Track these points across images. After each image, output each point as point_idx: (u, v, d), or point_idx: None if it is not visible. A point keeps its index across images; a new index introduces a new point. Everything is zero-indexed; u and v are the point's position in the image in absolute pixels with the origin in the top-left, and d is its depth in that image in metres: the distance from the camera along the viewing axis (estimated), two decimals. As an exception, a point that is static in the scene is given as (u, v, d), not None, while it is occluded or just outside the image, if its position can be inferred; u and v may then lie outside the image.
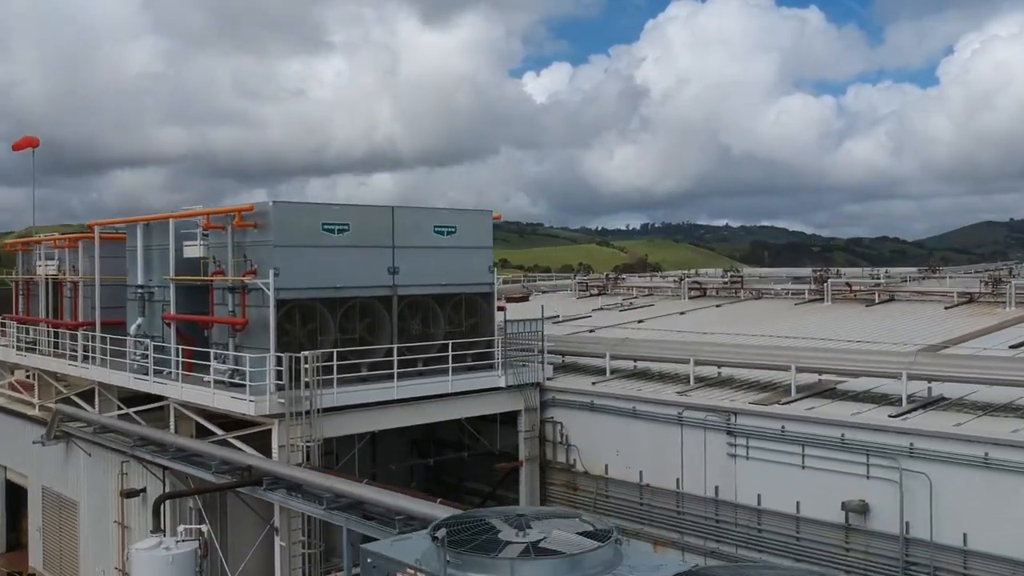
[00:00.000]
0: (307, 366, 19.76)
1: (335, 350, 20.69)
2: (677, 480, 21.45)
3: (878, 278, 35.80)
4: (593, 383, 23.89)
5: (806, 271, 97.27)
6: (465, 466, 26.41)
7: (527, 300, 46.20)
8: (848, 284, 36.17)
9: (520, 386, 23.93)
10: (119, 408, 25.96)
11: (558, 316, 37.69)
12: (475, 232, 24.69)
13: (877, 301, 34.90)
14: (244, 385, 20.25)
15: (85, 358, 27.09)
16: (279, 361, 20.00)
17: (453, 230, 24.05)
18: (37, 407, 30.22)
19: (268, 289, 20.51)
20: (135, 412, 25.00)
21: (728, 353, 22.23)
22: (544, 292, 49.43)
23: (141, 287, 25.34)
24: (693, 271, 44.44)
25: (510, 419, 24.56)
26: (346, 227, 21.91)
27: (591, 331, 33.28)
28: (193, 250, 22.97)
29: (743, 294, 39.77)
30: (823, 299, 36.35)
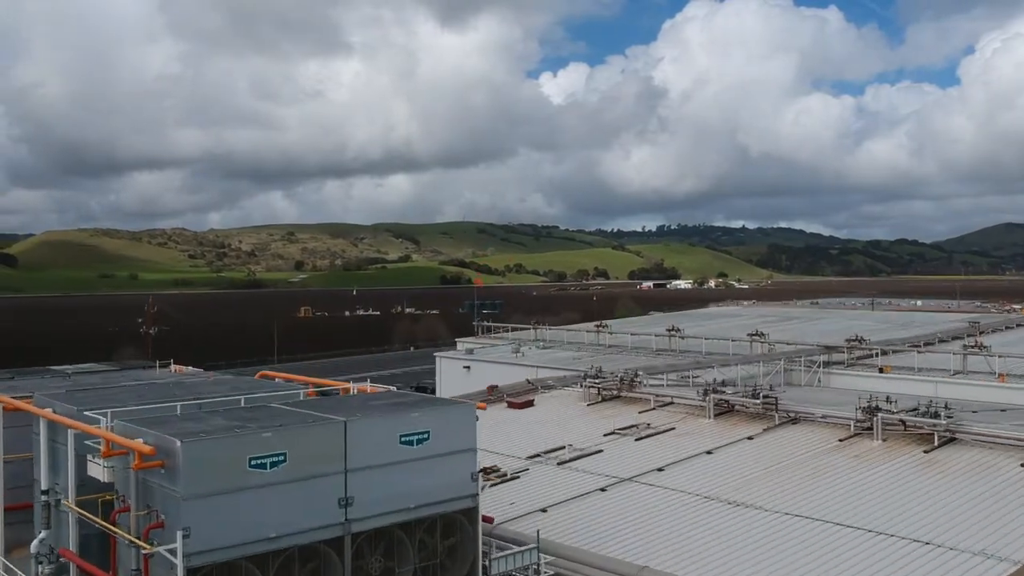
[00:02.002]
0: (220, 675, 14.93)
1: (259, 643, 15.86)
2: None
3: (937, 417, 30.53)
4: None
5: (833, 310, 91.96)
6: None
7: (532, 405, 41.49)
8: (902, 421, 31.03)
9: (510, 635, 19.04)
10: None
11: (563, 449, 32.86)
12: (454, 433, 19.82)
13: (936, 443, 29.92)
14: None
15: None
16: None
17: (425, 436, 19.17)
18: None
19: (175, 557, 15.71)
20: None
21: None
22: (551, 387, 44.49)
23: (45, 492, 20.60)
24: (719, 382, 39.05)
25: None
26: (281, 458, 17.08)
27: (603, 489, 28.39)
28: (95, 470, 18.26)
29: (777, 416, 34.66)
30: (872, 433, 31.39)
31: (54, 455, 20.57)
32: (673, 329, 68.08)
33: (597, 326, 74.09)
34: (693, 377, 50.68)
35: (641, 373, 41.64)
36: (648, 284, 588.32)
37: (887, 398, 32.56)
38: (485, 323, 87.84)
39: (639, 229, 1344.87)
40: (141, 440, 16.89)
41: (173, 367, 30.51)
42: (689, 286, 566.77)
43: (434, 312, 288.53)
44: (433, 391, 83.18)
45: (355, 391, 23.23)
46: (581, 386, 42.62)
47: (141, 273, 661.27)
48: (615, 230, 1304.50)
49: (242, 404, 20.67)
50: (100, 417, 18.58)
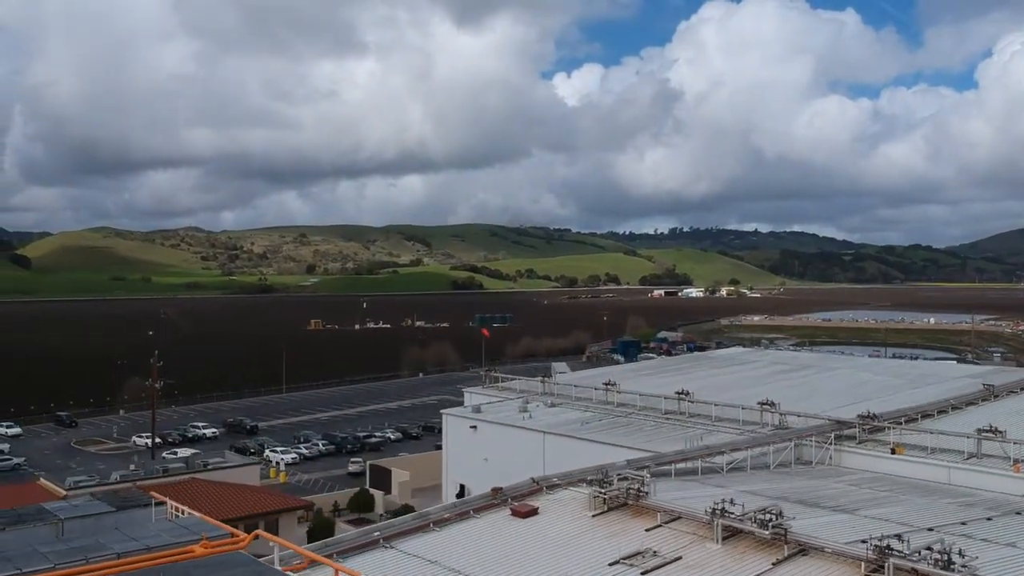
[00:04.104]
0: None
1: None
2: None
3: (951, 566, 29.70)
4: None
5: (845, 359, 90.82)
6: None
7: (536, 512, 40.77)
8: (915, 570, 30.19)
9: None
10: None
11: (567, 586, 32.14)
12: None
13: (951, 598, 29.10)
14: None
15: None
16: None
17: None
18: None
19: None
20: None
21: None
22: (557, 486, 43.69)
23: None
24: (723, 509, 38.13)
25: None
26: None
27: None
28: None
29: (787, 548, 33.82)
30: (884, 577, 30.59)
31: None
32: (683, 392, 67.38)
33: (606, 384, 73.25)
34: (704, 459, 50.19)
35: (648, 479, 40.82)
36: (659, 292, 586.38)
37: (898, 536, 31.68)
38: (493, 372, 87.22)
39: (651, 232, 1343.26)
40: None
41: (169, 508, 30.03)
42: (700, 294, 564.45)
43: (444, 325, 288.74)
44: (440, 431, 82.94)
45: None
46: (587, 483, 41.97)
47: (154, 277, 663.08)
48: (627, 232, 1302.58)
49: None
50: None
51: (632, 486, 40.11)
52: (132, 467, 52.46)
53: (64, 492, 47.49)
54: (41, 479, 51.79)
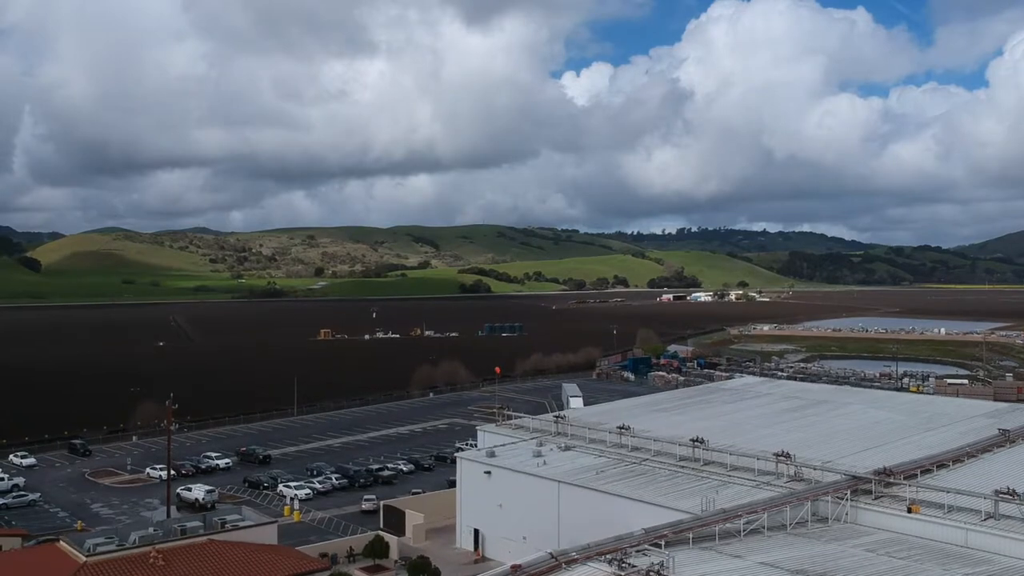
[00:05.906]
0: None
1: None
2: None
3: None
4: None
5: (857, 392, 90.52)
6: None
7: (558, 590, 40.94)
8: None
9: None
10: None
11: None
12: None
13: None
14: None
15: None
16: None
17: None
18: None
19: None
20: None
21: None
22: (575, 561, 43.80)
23: None
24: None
25: None
26: None
27: None
28: None
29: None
30: None
31: None
32: (697, 439, 67.30)
33: (620, 427, 73.21)
34: (720, 524, 50.28)
35: (666, 555, 40.94)
36: (668, 296, 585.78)
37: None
38: (505, 411, 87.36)
39: (659, 232, 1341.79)
40: None
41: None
42: (709, 298, 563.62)
43: (453, 335, 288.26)
44: (453, 462, 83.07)
45: None
46: (606, 561, 42.12)
47: (163, 280, 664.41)
48: (635, 232, 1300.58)
49: None
50: None
51: (652, 568, 40.26)
52: (151, 528, 52.63)
53: (84, 559, 47.68)
54: (60, 541, 51.98)
